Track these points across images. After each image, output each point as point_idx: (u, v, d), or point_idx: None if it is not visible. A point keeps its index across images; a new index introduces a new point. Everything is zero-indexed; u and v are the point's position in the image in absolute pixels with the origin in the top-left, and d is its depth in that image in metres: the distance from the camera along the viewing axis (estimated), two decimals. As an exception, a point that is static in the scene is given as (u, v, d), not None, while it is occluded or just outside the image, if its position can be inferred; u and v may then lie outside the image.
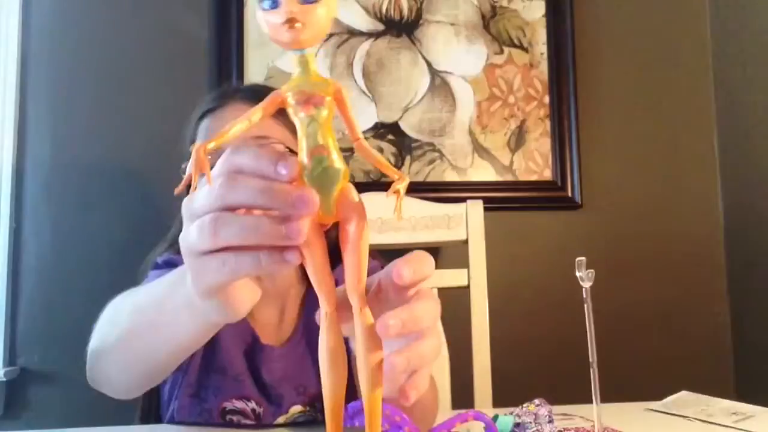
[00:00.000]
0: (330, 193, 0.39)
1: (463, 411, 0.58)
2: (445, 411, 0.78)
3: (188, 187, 0.39)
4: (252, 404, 0.86)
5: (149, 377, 0.69)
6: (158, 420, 0.93)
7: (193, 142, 0.94)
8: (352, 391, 0.46)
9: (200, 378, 0.87)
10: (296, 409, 0.88)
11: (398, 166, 1.48)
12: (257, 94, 0.92)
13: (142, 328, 0.60)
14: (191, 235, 0.40)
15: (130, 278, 1.40)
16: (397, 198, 0.41)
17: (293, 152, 0.42)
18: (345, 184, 0.39)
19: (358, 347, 0.40)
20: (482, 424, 0.58)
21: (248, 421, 0.85)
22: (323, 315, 0.40)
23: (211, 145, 0.39)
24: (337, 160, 0.39)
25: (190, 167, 0.38)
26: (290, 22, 0.37)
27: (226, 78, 1.45)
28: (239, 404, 0.86)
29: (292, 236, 0.37)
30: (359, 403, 0.51)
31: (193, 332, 0.54)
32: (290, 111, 0.39)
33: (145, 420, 0.94)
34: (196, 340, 0.58)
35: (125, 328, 0.63)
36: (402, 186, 0.41)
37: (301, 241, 0.37)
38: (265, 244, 0.38)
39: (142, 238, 1.42)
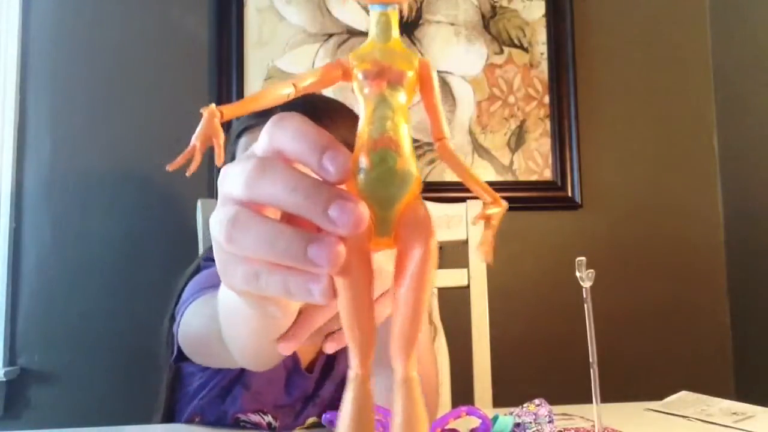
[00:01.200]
0: (391, 205, 0.28)
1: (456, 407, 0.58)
2: (444, 411, 0.78)
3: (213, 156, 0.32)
4: (268, 417, 0.86)
5: (264, 361, 0.60)
6: (172, 417, 0.93)
7: (233, 159, 0.87)
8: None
9: (230, 384, 0.86)
10: (313, 420, 0.87)
11: (398, 166, 1.48)
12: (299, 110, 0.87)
13: (223, 322, 0.53)
14: (213, 228, 0.31)
15: (130, 278, 1.41)
16: (486, 227, 0.31)
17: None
18: (414, 198, 0.28)
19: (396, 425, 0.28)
20: (477, 420, 0.58)
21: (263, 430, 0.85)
22: (351, 377, 0.28)
23: (230, 111, 0.31)
24: (408, 161, 0.28)
25: (195, 136, 0.30)
26: None
27: (226, 78, 1.45)
28: (255, 418, 0.85)
29: (317, 261, 0.26)
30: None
31: (258, 327, 0.46)
32: (354, 86, 0.30)
33: (166, 419, 0.94)
34: (268, 332, 0.49)
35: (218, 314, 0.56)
36: (496, 212, 0.31)
37: (333, 270, 0.27)
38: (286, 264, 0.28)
39: (141, 238, 1.43)
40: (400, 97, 0.29)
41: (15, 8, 1.42)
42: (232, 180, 0.30)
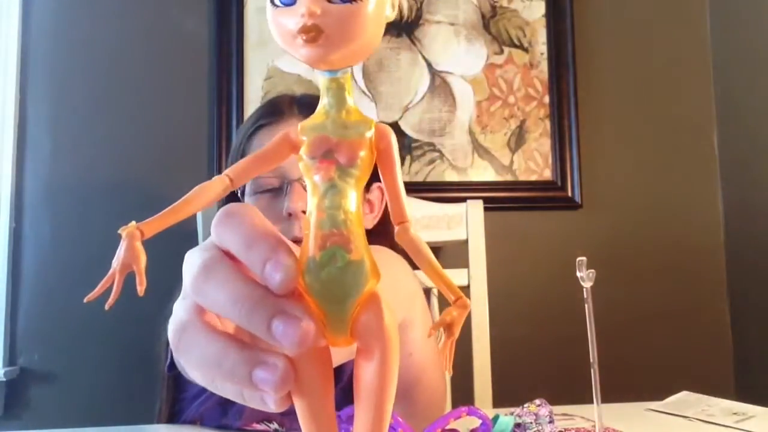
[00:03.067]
0: (343, 305, 0.26)
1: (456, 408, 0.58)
2: (445, 411, 0.78)
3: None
4: (274, 425, 0.85)
5: None
6: (173, 421, 0.93)
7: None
8: (342, 395, 0.38)
9: None
10: None
11: (398, 166, 1.48)
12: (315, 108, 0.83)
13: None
14: (170, 325, 0.30)
15: (130, 278, 1.40)
16: (448, 336, 0.29)
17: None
18: (370, 294, 0.26)
19: None
20: (477, 420, 0.58)
21: None
22: None
23: (152, 228, 0.28)
24: (361, 255, 0.26)
25: (115, 261, 0.28)
26: (308, 31, 0.25)
27: (226, 78, 1.45)
28: (260, 427, 0.85)
29: (262, 386, 0.26)
30: (351, 408, 0.50)
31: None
32: (301, 167, 0.27)
33: (167, 422, 0.93)
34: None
35: None
36: (457, 317, 0.29)
37: (281, 393, 0.26)
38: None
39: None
40: (352, 181, 0.26)
41: (15, 8, 1.42)
42: (186, 274, 0.29)
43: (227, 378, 0.27)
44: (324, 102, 0.28)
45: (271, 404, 0.27)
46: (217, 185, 0.28)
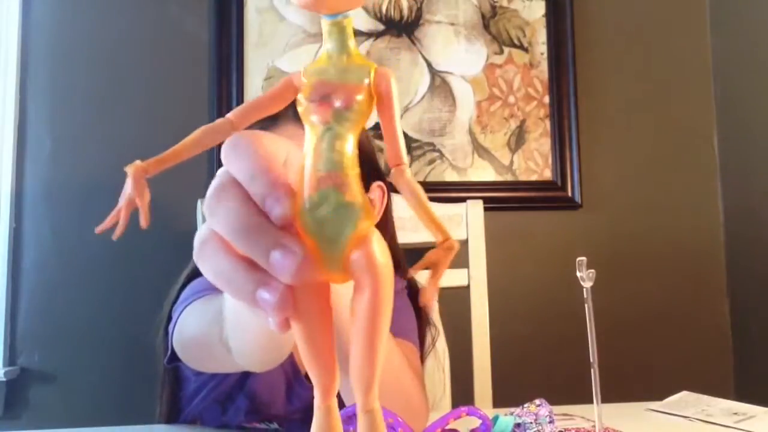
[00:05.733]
0: (337, 244, 0.27)
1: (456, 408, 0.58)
2: (444, 411, 0.78)
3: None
4: (274, 425, 0.86)
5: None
6: (175, 416, 0.93)
7: None
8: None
9: (231, 393, 0.85)
10: None
11: (398, 166, 1.48)
12: None
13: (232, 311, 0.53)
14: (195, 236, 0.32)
15: (130, 278, 1.41)
16: (434, 275, 0.30)
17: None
18: (364, 232, 0.27)
19: None
20: (477, 420, 0.58)
21: None
22: (316, 407, 0.29)
23: (158, 165, 0.30)
24: (355, 197, 0.27)
25: (121, 197, 0.30)
26: None
27: (226, 78, 1.45)
28: (260, 426, 0.85)
29: (264, 306, 0.28)
30: (351, 408, 0.50)
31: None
32: (300, 110, 0.28)
33: (168, 417, 0.93)
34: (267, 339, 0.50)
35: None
36: (443, 255, 0.30)
37: (280, 315, 0.28)
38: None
39: (141, 238, 1.43)
40: (349, 124, 0.27)
41: (15, 8, 1.42)
42: (207, 196, 0.30)
43: (235, 294, 0.29)
44: (327, 47, 0.28)
45: (273, 324, 0.29)
46: (221, 127, 0.29)
